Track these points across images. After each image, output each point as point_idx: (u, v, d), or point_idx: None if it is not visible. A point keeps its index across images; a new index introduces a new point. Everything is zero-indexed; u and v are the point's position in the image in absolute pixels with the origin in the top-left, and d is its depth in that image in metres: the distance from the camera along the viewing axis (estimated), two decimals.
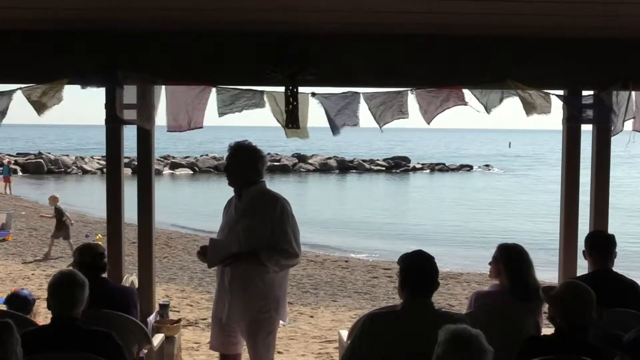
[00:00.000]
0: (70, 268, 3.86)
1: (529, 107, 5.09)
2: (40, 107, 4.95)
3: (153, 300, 5.40)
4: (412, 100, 5.14)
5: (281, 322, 4.72)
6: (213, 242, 4.57)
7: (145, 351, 4.53)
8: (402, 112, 5.17)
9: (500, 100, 5.11)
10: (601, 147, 5.36)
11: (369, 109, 5.16)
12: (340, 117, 5.16)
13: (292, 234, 4.49)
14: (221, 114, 5.08)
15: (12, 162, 37.76)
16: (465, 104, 5.12)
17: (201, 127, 5.20)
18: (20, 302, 5.03)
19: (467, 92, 5.11)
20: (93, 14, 4.53)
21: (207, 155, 48.69)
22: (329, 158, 48.62)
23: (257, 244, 4.43)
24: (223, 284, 4.61)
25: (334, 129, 5.19)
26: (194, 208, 24.79)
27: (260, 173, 4.61)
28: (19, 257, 13.46)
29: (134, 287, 5.03)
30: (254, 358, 4.64)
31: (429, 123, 5.19)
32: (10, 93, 4.98)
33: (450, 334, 2.84)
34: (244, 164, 4.57)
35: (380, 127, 5.20)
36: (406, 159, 50.25)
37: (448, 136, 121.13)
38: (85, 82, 4.90)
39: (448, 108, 5.15)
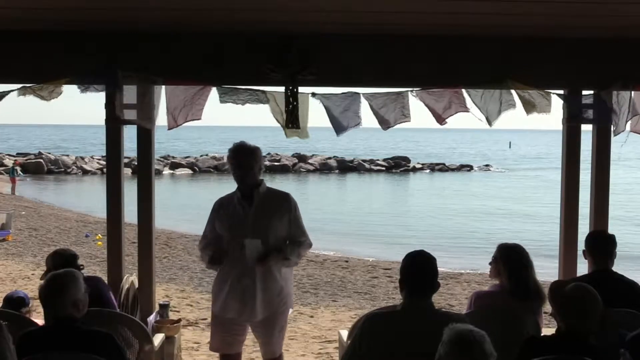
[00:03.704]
0: (65, 269, 3.75)
1: (529, 106, 5.10)
2: (41, 97, 4.98)
3: (153, 300, 5.40)
4: (413, 102, 5.17)
5: (290, 310, 4.90)
6: (250, 242, 4.54)
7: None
8: (405, 116, 5.19)
9: (499, 113, 5.13)
10: (601, 147, 5.35)
11: (372, 110, 5.17)
12: (344, 118, 5.17)
13: (304, 226, 4.73)
14: (223, 102, 5.09)
15: (15, 162, 37.83)
16: (467, 110, 5.14)
17: (199, 119, 5.16)
18: (16, 302, 5.02)
19: (467, 100, 5.12)
20: (93, 14, 4.53)
21: (207, 155, 48.77)
22: (329, 158, 48.63)
23: (277, 240, 4.60)
24: (239, 284, 4.59)
25: (338, 129, 5.20)
26: (194, 208, 24.74)
27: (261, 172, 4.75)
28: (19, 257, 13.46)
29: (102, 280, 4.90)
30: (269, 351, 4.75)
31: (441, 124, 5.22)
32: (10, 93, 4.98)
33: (454, 335, 2.83)
34: (257, 165, 4.65)
35: (384, 129, 5.26)
36: (406, 159, 50.25)
37: (448, 136, 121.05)
38: (85, 82, 4.91)
39: (451, 115, 5.17)
